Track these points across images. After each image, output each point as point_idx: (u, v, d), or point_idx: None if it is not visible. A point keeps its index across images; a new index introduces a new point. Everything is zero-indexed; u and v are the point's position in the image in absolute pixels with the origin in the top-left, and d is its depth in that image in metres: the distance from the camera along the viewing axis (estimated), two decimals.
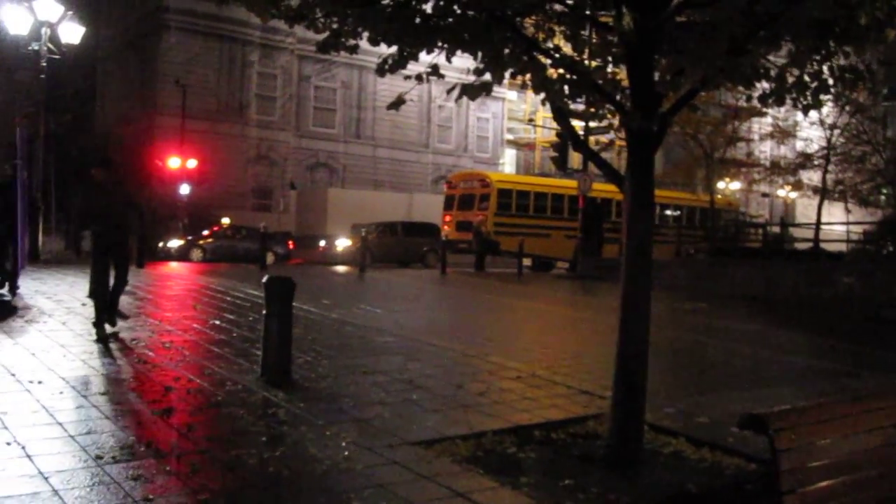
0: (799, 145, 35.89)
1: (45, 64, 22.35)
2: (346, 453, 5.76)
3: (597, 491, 5.35)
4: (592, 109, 6.63)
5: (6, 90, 40.59)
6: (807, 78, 6.01)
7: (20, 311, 10.98)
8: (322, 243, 35.22)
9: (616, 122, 7.13)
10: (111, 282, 10.31)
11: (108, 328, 9.99)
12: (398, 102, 6.08)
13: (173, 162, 37.39)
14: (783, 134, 35.57)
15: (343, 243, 32.62)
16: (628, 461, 5.92)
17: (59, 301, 12.08)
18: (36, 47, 22.41)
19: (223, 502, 4.73)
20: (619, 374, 6.04)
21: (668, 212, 35.30)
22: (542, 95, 6.05)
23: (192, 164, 37.82)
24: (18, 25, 21.59)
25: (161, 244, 31.43)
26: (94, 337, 9.66)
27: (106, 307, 10.07)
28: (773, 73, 6.01)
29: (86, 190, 11.08)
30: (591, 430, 6.88)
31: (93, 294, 10.36)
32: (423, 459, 5.77)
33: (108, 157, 11.86)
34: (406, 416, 6.87)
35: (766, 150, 46.26)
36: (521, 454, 6.14)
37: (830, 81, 6.09)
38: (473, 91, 5.69)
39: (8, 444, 5.56)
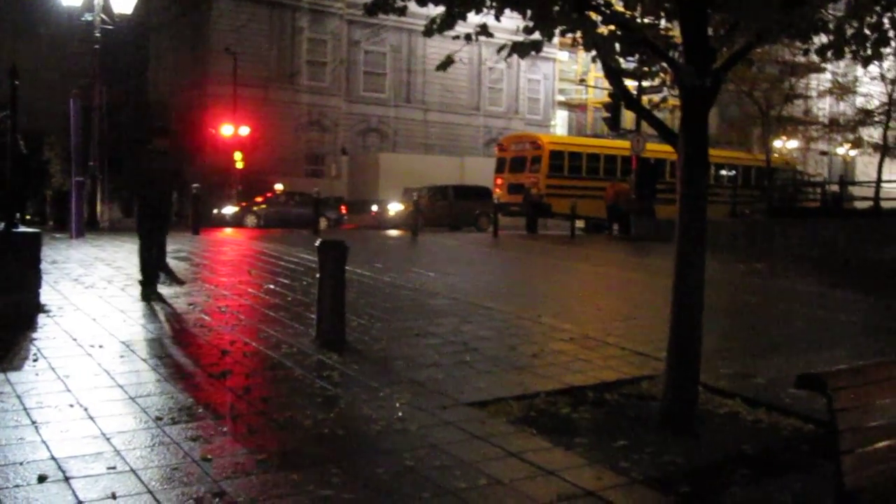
0: (859, 101, 34.96)
1: (98, 35, 22.55)
2: (400, 414, 5.82)
3: (651, 452, 5.34)
4: (645, 68, 6.53)
5: (61, 63, 41.10)
6: (866, 30, 5.85)
7: (80, 278, 11.19)
8: (374, 208, 35.34)
9: (669, 79, 7.02)
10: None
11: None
12: (447, 63, 6.04)
13: (226, 129, 37.73)
14: (842, 90, 34.66)
15: (395, 208, 32.71)
16: (683, 422, 5.88)
17: (118, 268, 12.28)
18: (89, 18, 22.63)
19: (280, 462, 4.80)
20: (674, 336, 5.99)
21: (723, 171, 34.72)
22: (594, 54, 5.96)
23: (244, 131, 38.12)
24: None
25: (215, 211, 31.79)
26: (140, 297, 10.02)
27: (152, 269, 10.43)
28: (831, 25, 5.86)
29: (138, 156, 11.37)
30: (645, 392, 6.86)
31: (141, 257, 10.56)
32: (476, 420, 5.80)
33: (167, 126, 12.11)
34: (459, 378, 6.90)
35: (824, 106, 45.17)
36: (574, 415, 6.15)
37: (891, 33, 5.92)
38: (523, 49, 5.63)
39: (71, 406, 5.70)
